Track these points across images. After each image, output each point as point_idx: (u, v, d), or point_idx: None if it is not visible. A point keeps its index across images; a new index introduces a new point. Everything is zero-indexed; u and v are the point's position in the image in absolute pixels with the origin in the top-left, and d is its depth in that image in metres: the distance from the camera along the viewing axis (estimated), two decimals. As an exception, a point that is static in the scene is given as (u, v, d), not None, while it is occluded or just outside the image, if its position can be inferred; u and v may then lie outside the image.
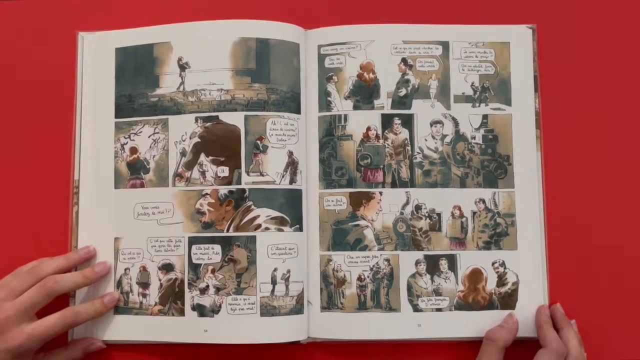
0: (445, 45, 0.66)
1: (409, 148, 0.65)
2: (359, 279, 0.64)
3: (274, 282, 0.62)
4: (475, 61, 0.66)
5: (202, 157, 0.64)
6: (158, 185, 0.64)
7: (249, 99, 0.64)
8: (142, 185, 0.65)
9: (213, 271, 0.62)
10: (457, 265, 0.64)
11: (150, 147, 0.65)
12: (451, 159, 0.65)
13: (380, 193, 0.64)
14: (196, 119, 0.64)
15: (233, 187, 0.63)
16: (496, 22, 0.67)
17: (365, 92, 0.65)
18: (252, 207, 0.63)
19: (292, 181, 0.64)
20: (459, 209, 0.64)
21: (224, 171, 0.63)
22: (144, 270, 0.64)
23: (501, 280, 0.64)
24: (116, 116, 0.66)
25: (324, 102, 0.65)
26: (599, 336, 0.63)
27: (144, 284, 0.64)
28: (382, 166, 0.65)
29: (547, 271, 0.64)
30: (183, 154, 0.64)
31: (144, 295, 0.63)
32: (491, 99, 0.66)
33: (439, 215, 0.64)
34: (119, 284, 0.64)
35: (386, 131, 0.65)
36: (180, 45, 0.65)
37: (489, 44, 0.66)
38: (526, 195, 0.65)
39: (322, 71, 0.66)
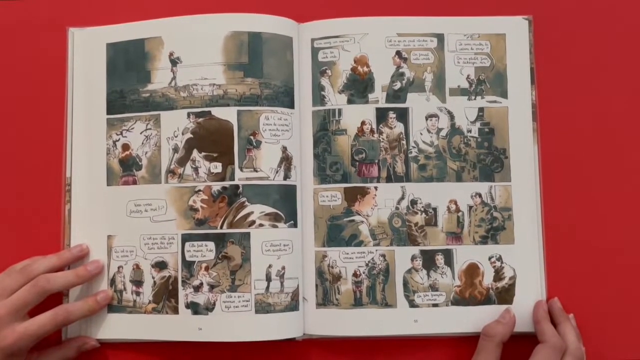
0: (440, 37, 0.65)
1: (404, 142, 0.64)
2: (355, 274, 0.63)
3: (268, 278, 0.61)
4: (470, 53, 0.65)
5: (195, 153, 0.63)
6: (150, 182, 0.64)
7: (241, 94, 0.63)
8: (134, 182, 0.64)
9: (207, 268, 0.62)
10: (454, 260, 0.63)
11: (143, 143, 0.64)
12: (447, 153, 0.64)
13: (376, 188, 0.64)
14: (188, 115, 0.63)
15: (226, 184, 0.62)
16: (492, 13, 0.66)
17: (359, 85, 0.65)
18: (246, 203, 0.62)
19: (286, 177, 0.63)
20: (455, 203, 0.64)
21: (217, 167, 0.62)
22: (137, 268, 0.63)
23: (498, 275, 0.63)
24: (108, 112, 0.65)
25: (318, 96, 0.65)
26: (597, 330, 0.63)
27: (138, 282, 0.63)
28: (377, 161, 0.64)
29: (544, 265, 0.63)
30: (175, 150, 0.63)
31: (138, 294, 0.63)
32: (487, 92, 0.65)
33: (434, 209, 0.64)
34: (112, 282, 0.63)
35: (381, 125, 0.64)
36: (171, 40, 0.64)
37: (485, 36, 0.65)
38: (523, 188, 0.64)
39: (316, 65, 0.65)
